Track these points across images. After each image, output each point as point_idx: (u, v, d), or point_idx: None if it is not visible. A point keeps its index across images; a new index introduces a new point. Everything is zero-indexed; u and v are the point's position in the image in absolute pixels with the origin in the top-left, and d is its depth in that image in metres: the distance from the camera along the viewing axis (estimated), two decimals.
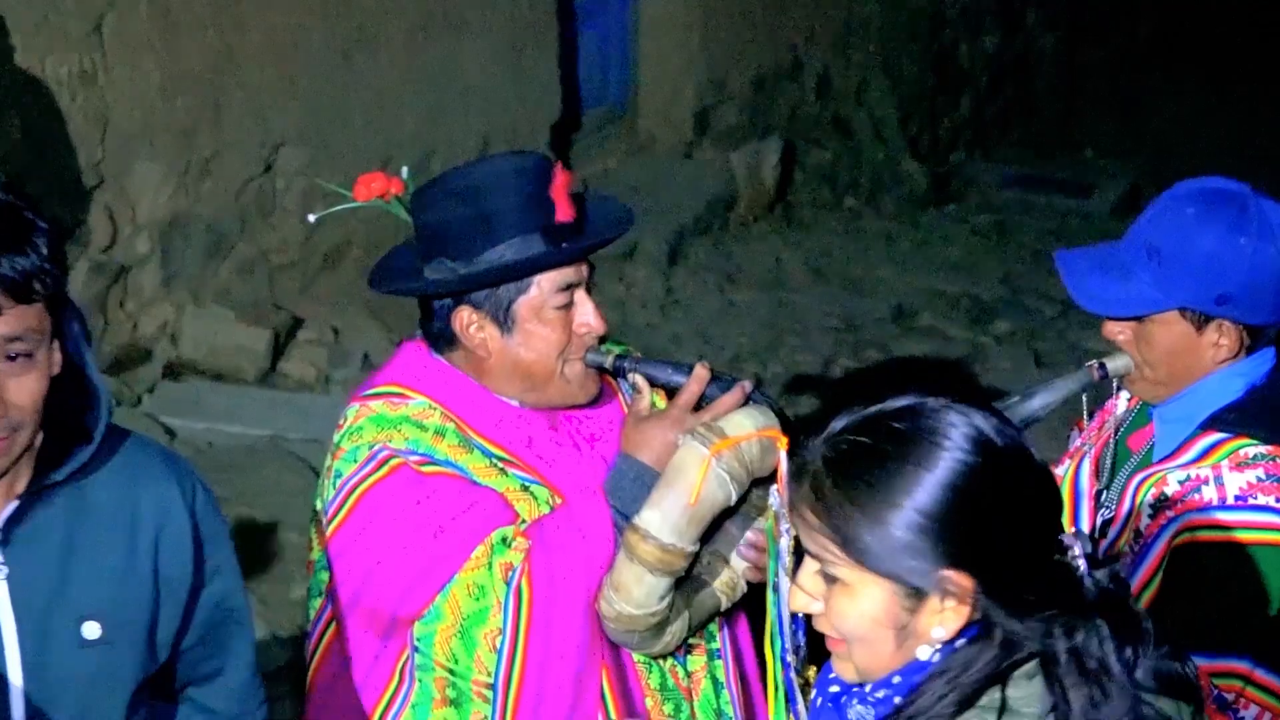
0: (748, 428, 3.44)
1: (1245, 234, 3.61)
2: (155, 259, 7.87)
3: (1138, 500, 3.65)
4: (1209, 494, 3.53)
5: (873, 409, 2.64)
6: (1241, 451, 3.55)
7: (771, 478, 3.53)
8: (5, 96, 7.43)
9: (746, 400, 3.56)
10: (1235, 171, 3.94)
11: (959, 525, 2.44)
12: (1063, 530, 2.52)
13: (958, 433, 2.48)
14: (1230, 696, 3.41)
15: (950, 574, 2.43)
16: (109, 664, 3.34)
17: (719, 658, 3.82)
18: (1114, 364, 3.76)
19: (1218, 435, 3.58)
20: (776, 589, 3.41)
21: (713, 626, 3.78)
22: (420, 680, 3.60)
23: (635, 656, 3.65)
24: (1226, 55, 14.61)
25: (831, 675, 2.64)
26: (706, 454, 3.37)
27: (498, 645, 3.51)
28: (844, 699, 2.58)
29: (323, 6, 8.51)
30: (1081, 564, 2.46)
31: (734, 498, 3.40)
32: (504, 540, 3.49)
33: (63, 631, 3.24)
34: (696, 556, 3.51)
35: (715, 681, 3.78)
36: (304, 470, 7.15)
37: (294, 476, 7.12)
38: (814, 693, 2.75)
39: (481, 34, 9.07)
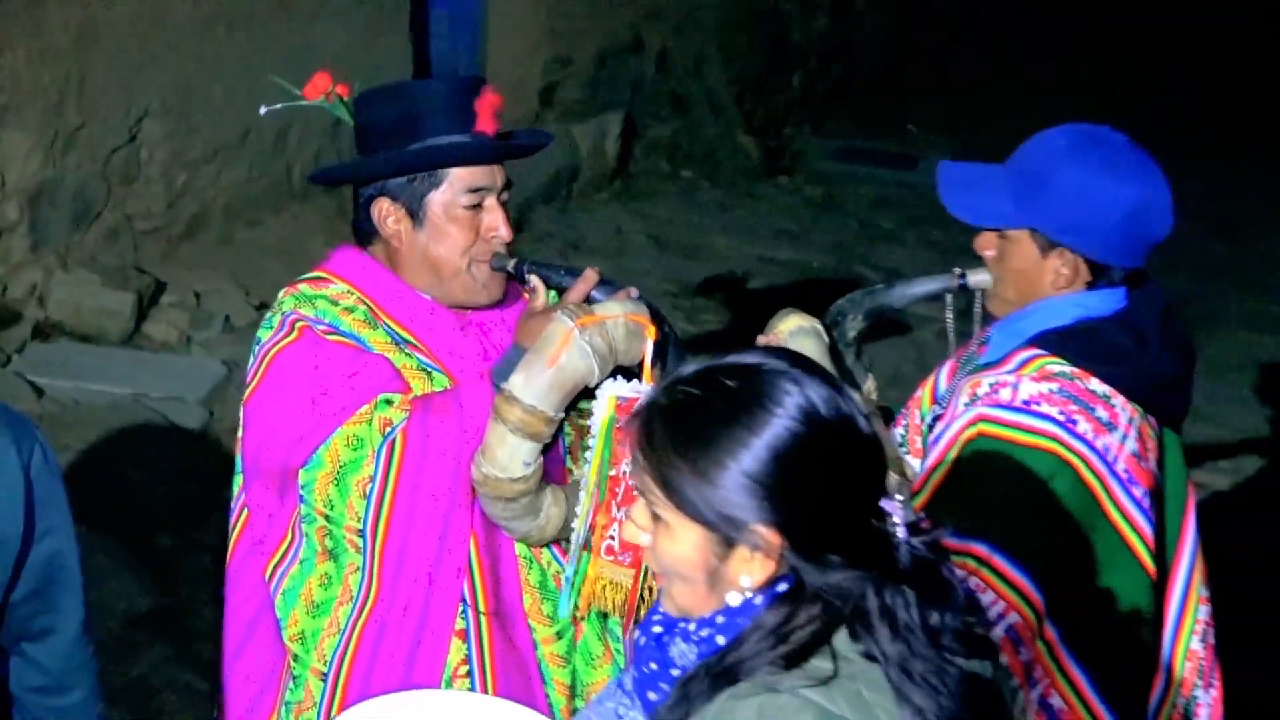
0: (615, 311, 3.51)
1: (1111, 175, 3.66)
2: (24, 225, 7.82)
3: (958, 400, 3.72)
4: (1005, 396, 3.59)
5: (711, 363, 2.63)
6: (1047, 367, 3.62)
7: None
8: None
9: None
10: None
11: (777, 490, 2.43)
12: (884, 497, 2.50)
13: (791, 401, 2.46)
14: (961, 575, 3.46)
15: (759, 529, 2.43)
16: None
17: (572, 597, 3.78)
18: (975, 277, 3.82)
19: (1035, 352, 3.64)
20: (584, 486, 3.52)
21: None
22: (306, 534, 3.64)
23: (516, 549, 3.69)
24: (1047, 37, 14.88)
25: (656, 616, 2.64)
26: (570, 325, 3.42)
27: (367, 491, 3.54)
28: (666, 638, 2.58)
29: None
30: (900, 531, 2.47)
31: (596, 371, 3.44)
32: (387, 401, 3.54)
33: None
34: (560, 431, 3.56)
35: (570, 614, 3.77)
36: (165, 426, 7.19)
37: (155, 432, 7.13)
38: (636, 633, 2.74)
39: (339, 12, 9.04)
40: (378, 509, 3.57)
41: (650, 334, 3.53)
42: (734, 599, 2.51)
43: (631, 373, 3.67)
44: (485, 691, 3.66)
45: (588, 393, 3.58)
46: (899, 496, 2.54)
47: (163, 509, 6.60)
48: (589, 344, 3.44)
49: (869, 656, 2.42)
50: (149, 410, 7.24)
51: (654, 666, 2.57)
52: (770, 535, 2.43)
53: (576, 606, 3.72)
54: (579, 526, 3.55)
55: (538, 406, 3.43)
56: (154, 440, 7.10)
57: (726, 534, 2.46)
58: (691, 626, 2.54)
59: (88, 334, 7.83)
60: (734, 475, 2.45)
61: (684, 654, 2.53)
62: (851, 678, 2.41)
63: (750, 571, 2.46)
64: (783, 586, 2.45)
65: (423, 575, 3.64)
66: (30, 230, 7.88)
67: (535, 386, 3.44)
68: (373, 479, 3.55)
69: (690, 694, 2.45)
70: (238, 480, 3.75)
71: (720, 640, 2.49)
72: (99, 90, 8.15)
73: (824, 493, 2.46)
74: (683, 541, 2.51)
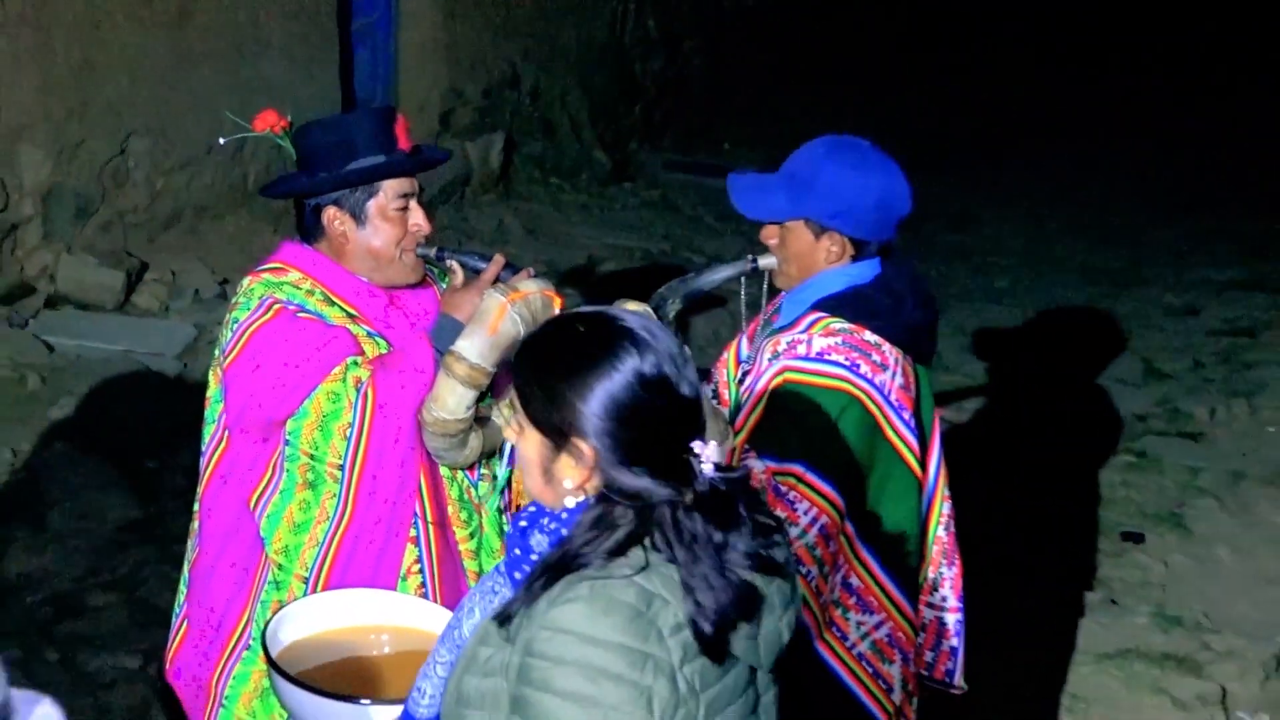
0: (533, 288, 3.54)
1: (860, 171, 3.68)
2: (37, 219, 7.78)
3: (763, 357, 3.73)
4: (801, 350, 3.63)
5: (576, 310, 2.72)
6: (831, 325, 3.65)
7: None
8: None
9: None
10: None
11: (596, 418, 2.45)
12: (697, 440, 2.49)
13: (628, 360, 2.46)
14: (784, 489, 3.52)
15: (579, 442, 2.46)
16: None
17: (500, 491, 3.87)
18: (764, 260, 3.83)
19: (819, 314, 3.67)
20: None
21: (496, 463, 3.82)
22: (288, 470, 3.64)
23: (442, 472, 3.73)
24: (838, 71, 14.95)
25: (526, 512, 2.63)
26: (504, 300, 3.47)
27: (348, 434, 3.56)
28: (528, 529, 2.58)
29: (164, 28, 8.39)
30: (707, 467, 2.46)
31: (523, 334, 3.44)
32: (355, 362, 3.56)
33: None
34: (486, 399, 3.62)
35: (498, 509, 3.86)
36: (148, 375, 7.19)
37: (140, 380, 7.12)
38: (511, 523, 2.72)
39: (284, 54, 8.97)
40: (355, 447, 3.59)
41: (557, 304, 3.57)
42: (570, 502, 2.52)
43: None
44: (433, 582, 3.69)
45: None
46: (715, 442, 2.52)
47: (146, 438, 6.58)
48: (518, 314, 3.48)
49: (671, 561, 2.43)
50: (135, 363, 7.22)
51: (518, 552, 2.57)
52: (587, 449, 2.45)
53: (506, 502, 3.81)
54: (508, 444, 3.52)
55: (481, 364, 3.48)
56: (140, 386, 7.09)
57: (556, 441, 2.49)
58: (545, 521, 2.54)
59: (88, 303, 7.76)
60: (567, 399, 2.47)
61: (540, 543, 2.53)
62: (661, 568, 2.43)
63: (571, 474, 2.48)
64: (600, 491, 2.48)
65: (390, 497, 3.65)
66: (42, 223, 7.84)
67: (478, 348, 3.48)
68: (351, 424, 3.56)
69: (540, 578, 2.45)
70: (209, 428, 3.74)
71: (564, 533, 2.48)
72: (96, 113, 8.09)
73: (636, 428, 2.47)
74: (528, 441, 2.54)
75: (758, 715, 2.59)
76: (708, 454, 2.48)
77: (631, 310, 3.59)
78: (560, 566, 2.45)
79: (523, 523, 2.60)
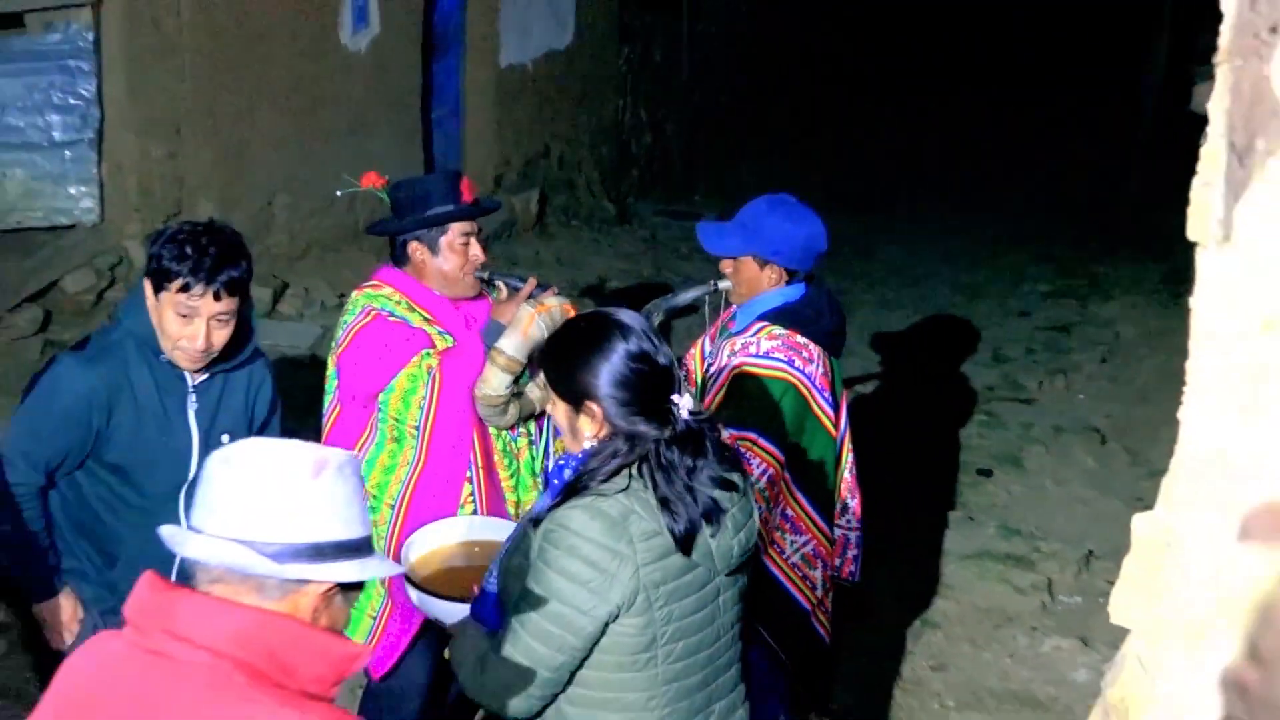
0: (555, 303, 3.56)
1: (791, 221, 3.72)
2: None
3: (723, 354, 3.77)
4: (753, 349, 3.67)
5: (580, 313, 2.88)
6: (773, 331, 3.69)
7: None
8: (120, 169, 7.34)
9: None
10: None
11: (602, 385, 2.53)
12: (675, 393, 2.57)
13: (621, 345, 2.53)
14: (743, 449, 3.51)
15: (591, 404, 2.55)
16: None
17: (533, 443, 3.90)
18: (723, 284, 3.86)
19: (764, 324, 3.71)
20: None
21: (531, 425, 3.86)
22: (379, 429, 3.66)
23: (490, 431, 3.74)
24: (784, 138, 14.86)
25: (560, 459, 2.72)
26: (533, 311, 3.51)
27: (422, 404, 3.58)
28: (561, 470, 2.63)
29: (300, 116, 8.39)
30: (684, 413, 2.55)
31: (546, 335, 3.43)
32: (428, 354, 3.58)
33: (214, 436, 3.34)
34: (523, 375, 3.63)
35: (531, 456, 3.87)
36: (288, 362, 7.16)
37: (284, 365, 7.02)
38: (552, 464, 2.86)
39: (384, 132, 8.98)
40: (427, 413, 3.61)
41: (571, 313, 3.57)
42: (587, 442, 2.60)
43: None
44: (482, 509, 3.70)
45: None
46: (688, 397, 2.59)
47: (287, 407, 6.61)
48: (544, 322, 3.50)
49: (652, 486, 2.50)
50: (279, 353, 7.15)
51: (556, 482, 2.62)
52: (598, 409, 2.55)
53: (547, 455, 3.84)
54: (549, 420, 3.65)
55: (517, 357, 3.52)
56: (282, 370, 6.86)
57: (575, 406, 2.58)
58: (572, 463, 2.60)
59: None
60: (580, 374, 2.56)
61: (567, 477, 2.59)
62: (641, 493, 2.50)
63: (589, 428, 2.58)
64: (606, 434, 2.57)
65: (451, 449, 3.66)
66: None
67: (515, 346, 3.52)
68: (425, 397, 3.58)
69: (560, 495, 2.54)
70: (327, 398, 3.77)
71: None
72: (251, 177, 8.10)
73: (629, 389, 2.54)
74: (558, 409, 2.64)
75: (718, 604, 2.64)
76: (683, 404, 2.57)
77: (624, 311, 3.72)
78: (573, 489, 2.53)
79: (559, 461, 2.69)
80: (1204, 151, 1.38)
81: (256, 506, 1.91)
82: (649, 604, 2.52)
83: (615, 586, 2.48)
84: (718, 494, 2.56)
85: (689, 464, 2.53)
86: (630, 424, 2.53)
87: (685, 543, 2.53)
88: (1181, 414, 1.37)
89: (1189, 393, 1.35)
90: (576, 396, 2.59)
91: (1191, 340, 1.35)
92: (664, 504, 2.51)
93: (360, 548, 1.98)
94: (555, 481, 2.65)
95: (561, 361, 2.66)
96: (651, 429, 2.52)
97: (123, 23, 7.23)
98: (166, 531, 2.00)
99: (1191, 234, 1.37)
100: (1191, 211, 1.37)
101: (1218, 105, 1.36)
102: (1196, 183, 1.38)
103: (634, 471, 2.52)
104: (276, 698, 1.84)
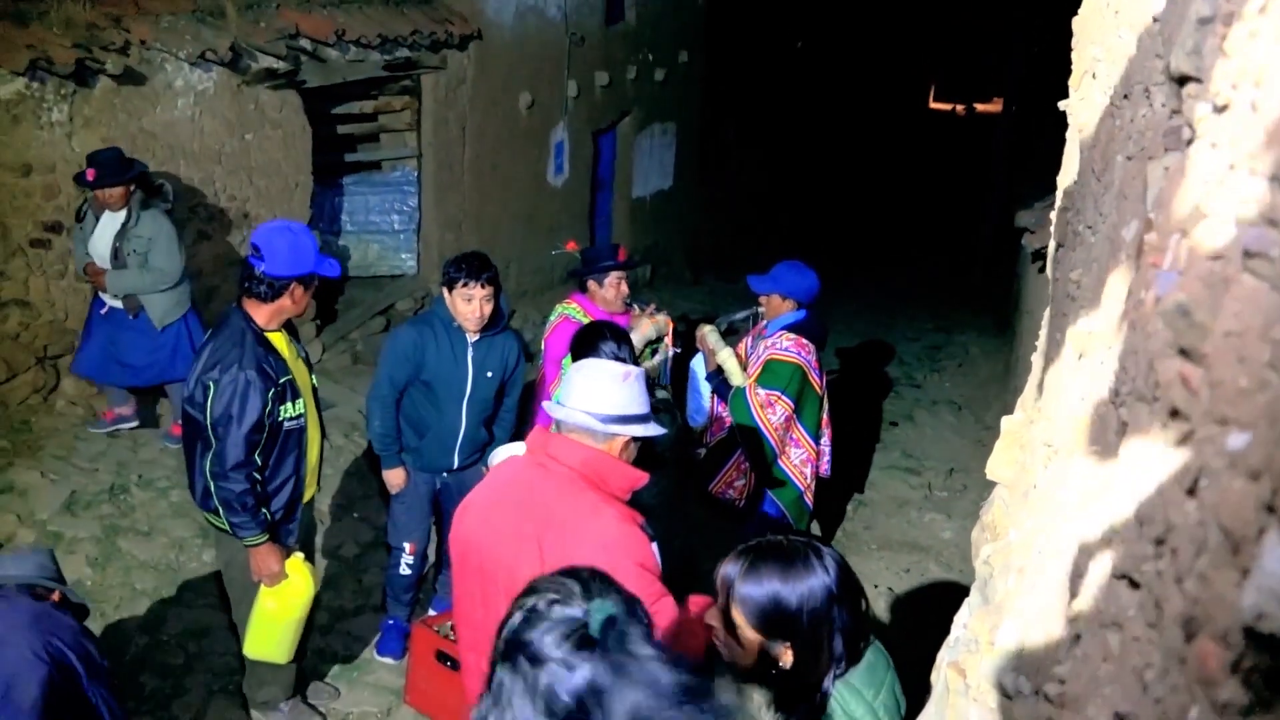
0: (661, 318, 3.49)
1: (800, 275, 3.55)
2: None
3: (760, 349, 3.56)
4: (776, 346, 3.47)
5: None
6: (788, 336, 3.49)
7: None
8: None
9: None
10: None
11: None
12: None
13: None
14: (773, 400, 3.33)
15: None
16: (496, 385, 3.30)
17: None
18: (760, 309, 3.67)
19: (783, 332, 3.51)
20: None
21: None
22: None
23: None
24: (794, 234, 14.43)
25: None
26: (648, 320, 3.44)
27: None
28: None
29: (520, 220, 8.21)
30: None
31: (656, 334, 3.37)
32: None
33: (481, 374, 3.21)
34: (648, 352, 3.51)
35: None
36: None
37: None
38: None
39: (570, 224, 8.78)
40: None
41: (669, 325, 3.53)
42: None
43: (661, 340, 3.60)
44: None
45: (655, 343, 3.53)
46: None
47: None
48: (655, 328, 3.44)
49: None
50: None
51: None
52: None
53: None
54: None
55: (640, 342, 3.42)
56: None
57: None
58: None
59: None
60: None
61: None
62: None
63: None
64: None
65: None
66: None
67: (641, 334, 3.43)
68: None
69: None
70: (538, 358, 3.66)
71: None
72: (499, 252, 7.70)
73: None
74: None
75: None
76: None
77: (708, 328, 3.46)
78: None
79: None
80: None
81: (595, 393, 1.91)
82: None
83: None
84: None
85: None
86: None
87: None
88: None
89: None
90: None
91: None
92: None
93: (645, 419, 1.95)
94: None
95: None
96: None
97: (431, 167, 7.28)
98: (546, 406, 1.99)
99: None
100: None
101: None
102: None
103: None
104: (599, 495, 1.88)
